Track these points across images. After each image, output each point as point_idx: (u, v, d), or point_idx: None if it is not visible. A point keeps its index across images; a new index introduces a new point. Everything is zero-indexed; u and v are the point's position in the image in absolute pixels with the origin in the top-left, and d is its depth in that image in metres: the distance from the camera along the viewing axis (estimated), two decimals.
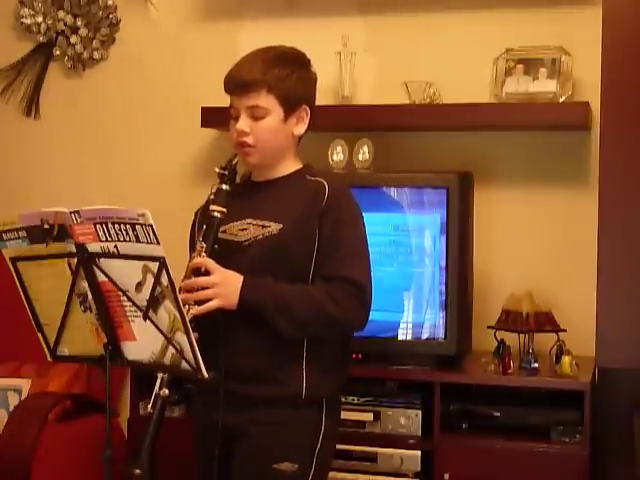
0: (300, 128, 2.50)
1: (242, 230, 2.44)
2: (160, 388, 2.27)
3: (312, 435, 2.42)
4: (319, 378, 2.42)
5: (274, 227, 2.41)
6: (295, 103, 2.46)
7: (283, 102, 2.44)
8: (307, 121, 2.50)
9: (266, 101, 2.42)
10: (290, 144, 2.50)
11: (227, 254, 2.39)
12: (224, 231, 2.44)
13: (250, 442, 2.39)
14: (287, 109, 2.45)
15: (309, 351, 2.41)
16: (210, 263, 2.35)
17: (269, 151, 2.46)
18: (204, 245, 2.37)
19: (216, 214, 2.40)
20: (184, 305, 2.26)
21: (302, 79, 2.48)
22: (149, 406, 2.29)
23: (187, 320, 2.10)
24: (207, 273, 2.35)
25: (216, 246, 2.39)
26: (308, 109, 2.50)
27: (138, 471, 2.21)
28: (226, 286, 2.34)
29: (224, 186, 2.43)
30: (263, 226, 2.42)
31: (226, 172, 2.44)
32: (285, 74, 2.43)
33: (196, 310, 2.30)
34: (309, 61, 2.53)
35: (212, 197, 2.43)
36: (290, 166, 2.52)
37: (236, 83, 2.45)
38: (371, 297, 2.41)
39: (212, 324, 2.35)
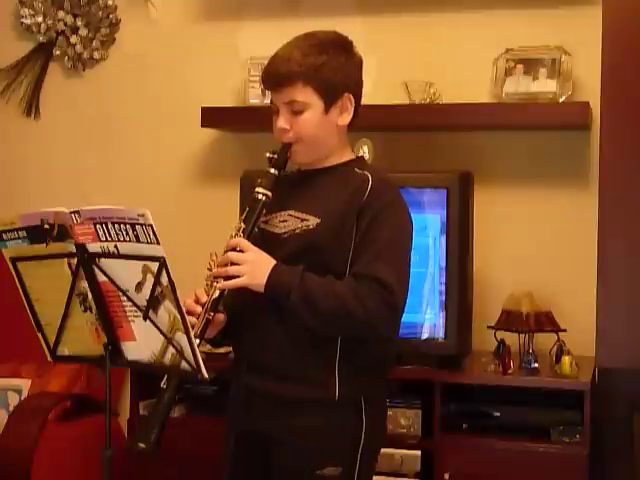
0: (345, 118, 2.37)
1: (282, 222, 2.34)
2: None
3: (353, 436, 2.30)
4: (354, 378, 2.29)
5: (312, 221, 2.30)
6: (336, 93, 2.33)
7: (322, 93, 2.31)
8: (352, 110, 2.37)
9: (304, 94, 2.30)
10: (335, 136, 2.38)
11: (266, 245, 2.30)
12: (266, 222, 2.36)
13: (289, 449, 2.30)
14: (327, 100, 2.32)
15: (343, 350, 2.28)
16: (244, 242, 2.27)
17: (313, 146, 2.35)
18: (243, 225, 2.29)
19: (260, 196, 2.31)
20: (214, 280, 2.26)
21: (341, 66, 2.33)
22: (162, 383, 2.23)
23: (187, 320, 2.09)
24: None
25: (256, 229, 2.31)
26: (352, 97, 2.36)
27: (142, 445, 2.18)
28: (256, 266, 2.25)
29: (272, 170, 2.33)
30: (302, 219, 2.31)
31: (275, 156, 2.34)
32: (321, 62, 2.30)
33: (222, 284, 2.25)
34: (351, 44, 2.39)
35: (259, 180, 2.33)
36: (339, 157, 2.40)
37: (271, 77, 2.34)
38: (402, 301, 2.27)
39: (242, 311, 2.32)
